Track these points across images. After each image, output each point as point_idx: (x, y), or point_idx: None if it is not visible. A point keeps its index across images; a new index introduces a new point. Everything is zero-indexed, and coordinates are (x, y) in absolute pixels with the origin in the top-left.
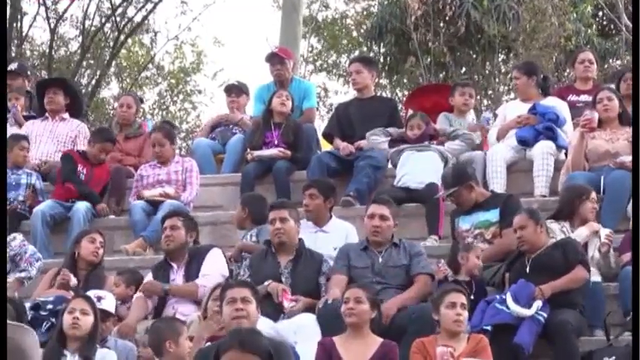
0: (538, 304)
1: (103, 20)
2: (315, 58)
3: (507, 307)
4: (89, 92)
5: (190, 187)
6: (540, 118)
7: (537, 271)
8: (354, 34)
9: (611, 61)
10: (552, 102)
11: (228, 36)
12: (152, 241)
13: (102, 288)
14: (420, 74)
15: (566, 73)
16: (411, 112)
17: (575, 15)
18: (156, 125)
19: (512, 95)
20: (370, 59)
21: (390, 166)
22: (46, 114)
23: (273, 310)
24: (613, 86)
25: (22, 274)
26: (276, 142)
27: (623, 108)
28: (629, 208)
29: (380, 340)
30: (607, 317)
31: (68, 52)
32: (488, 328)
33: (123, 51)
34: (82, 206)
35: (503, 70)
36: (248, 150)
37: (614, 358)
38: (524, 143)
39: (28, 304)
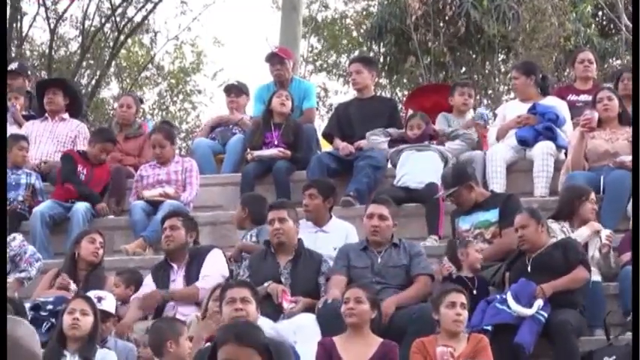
0: (539, 303)
1: (103, 20)
2: (315, 58)
3: (508, 307)
4: (89, 92)
5: (190, 188)
6: (540, 118)
7: (538, 271)
8: (354, 34)
9: (610, 60)
10: (552, 102)
11: (228, 36)
12: (152, 241)
13: (102, 288)
14: (420, 74)
15: (565, 73)
16: (410, 112)
17: (574, 15)
18: (156, 126)
19: (512, 95)
20: (370, 59)
21: (389, 166)
22: (46, 114)
23: (273, 310)
24: (611, 86)
25: (22, 275)
26: (276, 142)
27: (623, 108)
28: (629, 207)
29: (380, 340)
30: (607, 317)
31: (68, 53)
32: (489, 327)
33: (123, 51)
34: (81, 206)
35: (503, 70)
36: (248, 150)
37: (614, 357)
38: (524, 143)
39: (28, 305)
